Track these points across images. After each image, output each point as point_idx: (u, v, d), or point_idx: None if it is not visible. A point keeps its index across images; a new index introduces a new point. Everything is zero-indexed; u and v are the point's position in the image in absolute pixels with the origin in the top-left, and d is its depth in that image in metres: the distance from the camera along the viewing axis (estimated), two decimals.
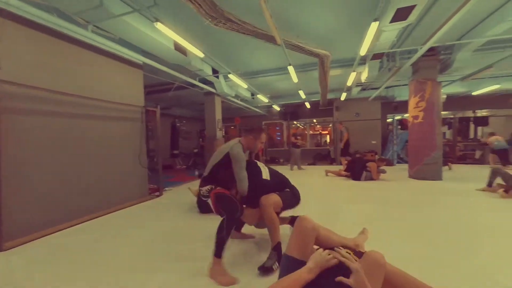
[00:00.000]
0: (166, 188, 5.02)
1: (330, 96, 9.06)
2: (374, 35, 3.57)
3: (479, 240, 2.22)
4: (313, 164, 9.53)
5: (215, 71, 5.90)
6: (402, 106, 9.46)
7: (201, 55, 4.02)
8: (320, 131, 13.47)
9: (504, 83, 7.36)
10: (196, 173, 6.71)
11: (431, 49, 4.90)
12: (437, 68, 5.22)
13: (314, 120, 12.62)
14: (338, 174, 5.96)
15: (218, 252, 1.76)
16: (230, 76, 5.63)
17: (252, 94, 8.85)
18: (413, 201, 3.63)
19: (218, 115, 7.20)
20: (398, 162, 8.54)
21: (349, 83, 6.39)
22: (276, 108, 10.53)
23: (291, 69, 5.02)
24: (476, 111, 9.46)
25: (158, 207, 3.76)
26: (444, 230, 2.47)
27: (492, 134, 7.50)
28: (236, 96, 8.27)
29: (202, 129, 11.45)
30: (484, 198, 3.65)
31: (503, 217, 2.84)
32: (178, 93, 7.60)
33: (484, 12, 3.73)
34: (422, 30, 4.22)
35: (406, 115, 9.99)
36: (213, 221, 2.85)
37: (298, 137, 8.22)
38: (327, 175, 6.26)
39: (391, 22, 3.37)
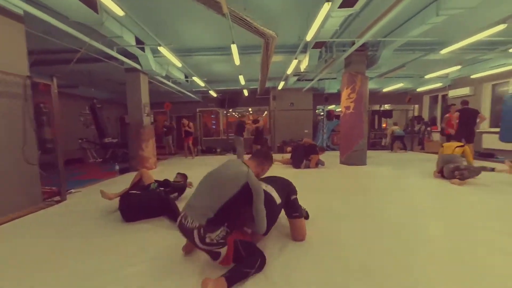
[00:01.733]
0: (73, 190, 3.81)
1: (268, 84, 9.01)
2: (322, 19, 3.45)
3: (413, 216, 2.40)
4: (251, 153, 9.42)
5: (139, 42, 4.79)
6: (331, 98, 10.33)
7: (121, 13, 3.05)
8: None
9: (405, 82, 8.90)
10: (117, 167, 5.50)
11: (361, 45, 5.28)
12: (365, 63, 5.71)
13: (250, 110, 12.54)
14: (285, 162, 5.93)
15: (232, 281, 1.39)
16: (161, 50, 4.67)
17: (186, 77, 7.89)
18: (354, 186, 3.83)
19: (145, 98, 6.03)
20: (325, 150, 9.36)
21: (289, 71, 6.36)
22: (213, 94, 9.82)
23: (234, 48, 4.51)
24: (383, 105, 11.29)
25: (59, 217, 2.72)
26: (389, 211, 2.59)
27: (395, 124, 9.11)
28: (167, 77, 7.16)
29: (123, 115, 9.66)
30: (407, 180, 4.20)
31: (425, 195, 3.26)
32: (88, 67, 5.98)
33: (408, 14, 4.13)
34: (358, 24, 4.41)
35: (331, 106, 11.03)
36: (147, 232, 2.19)
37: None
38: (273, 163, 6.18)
39: (339, 7, 3.31)
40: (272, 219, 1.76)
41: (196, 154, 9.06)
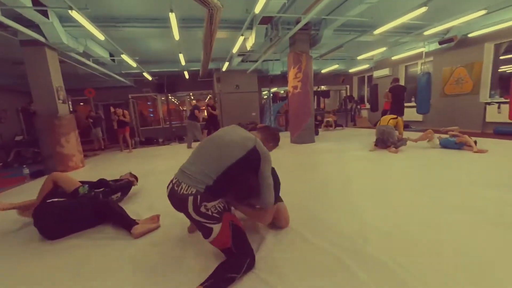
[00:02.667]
0: None
1: (211, 66, 8.41)
2: None
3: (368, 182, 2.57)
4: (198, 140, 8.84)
5: (38, 3, 3.61)
6: (275, 80, 10.42)
7: None
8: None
9: (340, 64, 9.63)
10: (26, 171, 4.25)
11: (305, 24, 5.30)
12: (309, 42, 5.80)
13: (191, 94, 11.67)
14: None
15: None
16: (74, 16, 3.62)
17: (112, 55, 6.62)
18: (309, 162, 3.91)
19: (57, 81, 4.76)
20: None
21: (235, 49, 5.99)
22: (148, 77, 8.63)
23: (172, 17, 3.85)
24: (320, 86, 12.10)
25: None
26: (347, 181, 2.70)
27: (328, 112, 9.90)
28: (86, 56, 5.84)
29: (27, 103, 7.58)
30: (352, 152, 4.54)
31: (372, 165, 3.56)
32: None
33: None
34: (301, 2, 4.35)
35: (274, 89, 11.17)
36: (84, 249, 1.63)
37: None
38: None
39: None
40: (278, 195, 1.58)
41: (134, 147, 7.96)
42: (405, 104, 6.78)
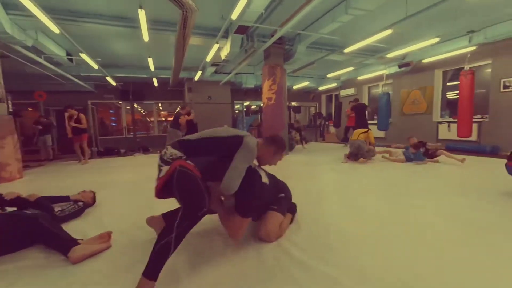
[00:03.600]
0: None
1: (182, 74, 8.12)
2: None
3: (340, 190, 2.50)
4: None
5: None
6: (249, 93, 10.44)
7: None
8: (166, 117, 12.12)
9: (310, 81, 10.04)
10: None
11: (279, 38, 5.41)
12: (283, 56, 5.91)
13: (160, 105, 11.10)
14: None
15: (154, 270, 1.08)
16: (24, 2, 3.14)
17: (70, 54, 5.98)
18: (284, 173, 3.77)
19: None
20: None
21: (209, 57, 5.82)
22: (111, 82, 7.97)
23: (142, 15, 3.58)
24: (291, 102, 12.45)
25: None
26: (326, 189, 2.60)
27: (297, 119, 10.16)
28: (38, 52, 5.17)
29: None
30: (325, 165, 4.54)
31: (347, 176, 3.55)
32: None
33: (322, 10, 4.45)
34: (278, 15, 4.43)
35: (247, 102, 11.18)
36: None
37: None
38: None
39: None
40: (253, 193, 1.46)
41: (90, 157, 7.11)
42: (369, 122, 7.23)
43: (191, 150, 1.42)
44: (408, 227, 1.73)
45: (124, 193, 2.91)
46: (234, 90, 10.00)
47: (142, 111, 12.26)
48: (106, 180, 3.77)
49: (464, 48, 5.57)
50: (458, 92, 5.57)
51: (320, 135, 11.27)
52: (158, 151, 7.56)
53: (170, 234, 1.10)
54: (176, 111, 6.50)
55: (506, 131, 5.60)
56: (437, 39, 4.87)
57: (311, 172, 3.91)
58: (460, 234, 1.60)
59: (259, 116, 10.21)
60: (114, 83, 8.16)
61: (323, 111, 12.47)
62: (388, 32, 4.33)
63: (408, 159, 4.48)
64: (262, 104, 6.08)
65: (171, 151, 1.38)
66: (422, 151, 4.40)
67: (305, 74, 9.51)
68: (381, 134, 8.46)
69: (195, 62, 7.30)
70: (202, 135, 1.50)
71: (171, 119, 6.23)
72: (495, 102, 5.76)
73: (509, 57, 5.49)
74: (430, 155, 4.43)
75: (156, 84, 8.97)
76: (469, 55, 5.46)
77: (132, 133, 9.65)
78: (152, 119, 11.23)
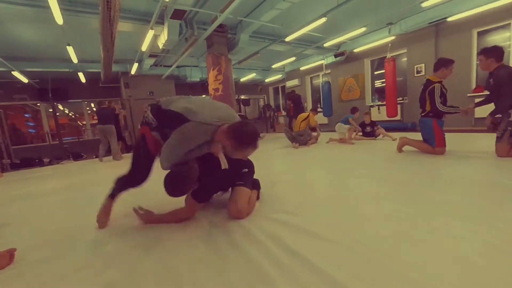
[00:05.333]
0: None
1: (116, 68, 7.22)
2: None
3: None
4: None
5: None
6: (195, 87, 9.95)
7: None
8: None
9: (257, 73, 10.13)
10: None
11: (220, 26, 5.22)
12: (226, 45, 5.75)
13: (93, 105, 9.70)
14: None
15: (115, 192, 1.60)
16: None
17: None
18: None
19: None
20: None
21: (144, 46, 5.26)
22: (22, 79, 6.57)
23: None
24: (240, 95, 12.42)
25: None
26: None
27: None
28: None
29: None
30: (276, 150, 4.62)
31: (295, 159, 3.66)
32: None
33: None
34: (216, 1, 4.26)
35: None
36: None
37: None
38: None
39: None
40: (212, 183, 1.54)
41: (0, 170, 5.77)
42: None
43: (160, 119, 1.45)
44: (351, 191, 1.84)
45: (42, 206, 2.38)
46: (178, 84, 9.39)
47: (70, 114, 10.57)
48: (20, 193, 3.06)
49: (385, 38, 6.33)
50: (384, 80, 6.33)
51: (270, 126, 11.56)
52: (94, 156, 6.62)
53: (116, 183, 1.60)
54: (108, 105, 5.78)
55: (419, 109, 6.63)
56: (364, 29, 5.39)
57: (265, 157, 3.93)
58: (388, 191, 1.78)
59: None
60: (25, 80, 6.74)
61: (271, 103, 12.80)
62: (323, 20, 4.59)
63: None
64: (210, 95, 5.83)
65: (148, 114, 1.48)
66: (369, 130, 4.94)
67: (250, 66, 9.54)
68: (325, 120, 9.11)
69: (130, 53, 6.57)
70: (174, 107, 1.40)
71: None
72: (411, 86, 6.75)
73: (419, 45, 6.47)
74: (373, 133, 4.97)
75: (83, 80, 7.77)
76: (390, 45, 6.23)
77: (57, 139, 8.20)
78: (84, 122, 9.76)
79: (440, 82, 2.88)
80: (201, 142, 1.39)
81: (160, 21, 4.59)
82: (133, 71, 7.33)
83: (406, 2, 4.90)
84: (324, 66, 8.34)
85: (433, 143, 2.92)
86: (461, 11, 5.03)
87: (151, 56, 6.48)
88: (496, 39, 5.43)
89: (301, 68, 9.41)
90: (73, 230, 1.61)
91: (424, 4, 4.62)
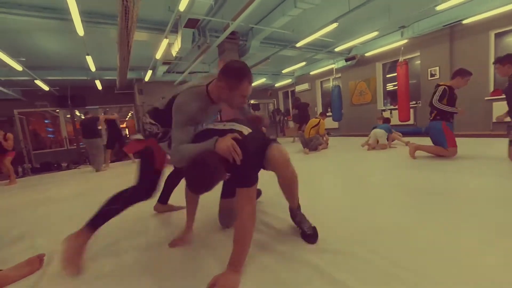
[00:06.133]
0: None
1: (130, 75, 7.47)
2: None
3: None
4: (116, 160, 7.47)
5: None
6: None
7: None
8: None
9: (266, 78, 10.20)
10: None
11: (232, 33, 5.32)
12: (237, 51, 5.84)
13: (107, 109, 10.00)
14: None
15: (96, 222, 1.28)
16: None
17: None
18: None
19: None
20: None
21: (158, 54, 5.42)
22: (43, 87, 6.90)
23: (72, 5, 3.12)
24: (250, 100, 12.51)
25: None
26: None
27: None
28: None
29: None
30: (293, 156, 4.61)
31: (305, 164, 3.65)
32: None
33: (273, 4, 4.50)
34: (229, 8, 4.35)
35: None
36: None
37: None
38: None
39: None
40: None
41: (22, 175, 6.06)
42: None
43: (163, 121, 1.36)
44: (363, 194, 1.83)
45: (65, 210, 2.49)
46: None
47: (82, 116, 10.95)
48: (42, 197, 3.20)
49: (398, 41, 6.24)
50: (396, 83, 6.23)
51: (280, 131, 11.56)
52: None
53: (115, 203, 1.32)
54: (86, 116, 5.49)
55: None
56: (376, 33, 5.35)
57: None
58: (405, 199, 1.75)
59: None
60: (46, 88, 7.08)
61: (281, 107, 12.82)
62: (334, 25, 4.59)
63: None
64: None
65: (149, 121, 1.39)
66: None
67: (261, 71, 9.61)
68: (335, 124, 9.02)
69: (144, 61, 6.77)
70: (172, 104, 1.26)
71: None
72: (425, 89, 6.60)
73: (432, 48, 6.34)
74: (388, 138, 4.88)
75: (100, 87, 8.07)
76: (402, 48, 6.15)
77: (75, 144, 8.52)
78: (99, 127, 10.08)
79: (449, 86, 2.93)
80: (197, 108, 1.21)
81: (174, 30, 4.73)
82: (147, 78, 7.55)
83: (419, 5, 4.83)
84: (334, 70, 8.29)
85: (445, 144, 2.92)
86: (476, 13, 4.91)
87: (164, 63, 6.67)
88: None
89: (311, 73, 9.40)
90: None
91: (438, 8, 4.54)
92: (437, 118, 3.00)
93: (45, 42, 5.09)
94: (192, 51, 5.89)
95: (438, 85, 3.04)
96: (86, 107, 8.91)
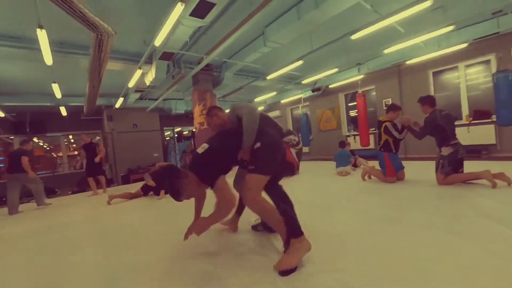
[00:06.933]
0: None
1: (100, 101, 7.26)
2: (174, 23, 3.23)
3: None
4: (79, 191, 6.90)
5: None
6: (180, 119, 10.11)
7: None
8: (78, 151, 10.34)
9: None
10: None
11: (206, 66, 5.60)
12: (211, 82, 6.09)
13: (70, 137, 9.43)
14: (131, 196, 4.32)
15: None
16: None
17: None
18: None
19: None
20: None
21: (131, 83, 5.44)
22: None
23: (42, 36, 3.10)
24: None
25: None
26: None
27: None
28: None
29: None
30: None
31: None
32: None
33: (245, 41, 4.90)
34: (204, 43, 4.64)
35: (178, 128, 10.81)
36: None
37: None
38: (109, 203, 4.00)
39: (190, 15, 3.26)
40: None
41: None
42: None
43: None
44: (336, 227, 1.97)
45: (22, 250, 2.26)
46: (163, 116, 9.53)
47: (44, 146, 10.14)
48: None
49: (355, 76, 7.05)
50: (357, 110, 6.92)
51: None
52: (70, 192, 6.31)
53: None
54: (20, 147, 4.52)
55: None
56: (336, 69, 6.02)
57: None
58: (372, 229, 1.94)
59: (192, 141, 9.94)
60: (1, 114, 6.54)
61: None
62: (299, 62, 5.10)
63: None
64: (194, 129, 5.99)
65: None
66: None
67: (235, 99, 9.98)
68: (305, 149, 9.48)
69: (115, 88, 6.71)
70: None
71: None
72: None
73: (385, 82, 7.25)
74: (355, 163, 5.22)
75: (64, 113, 7.66)
76: (360, 82, 6.94)
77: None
78: (60, 154, 9.38)
79: (390, 121, 3.41)
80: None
81: (149, 61, 4.85)
82: (117, 105, 7.39)
83: (370, 48, 5.62)
84: (302, 99, 8.94)
85: (385, 173, 3.38)
86: (417, 56, 5.83)
87: (137, 91, 6.65)
88: (449, 77, 6.28)
89: (282, 101, 10.00)
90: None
91: (385, 51, 5.33)
92: (381, 150, 3.44)
93: (5, 69, 4.85)
94: (166, 80, 6.01)
95: (380, 122, 3.48)
96: (47, 134, 8.34)
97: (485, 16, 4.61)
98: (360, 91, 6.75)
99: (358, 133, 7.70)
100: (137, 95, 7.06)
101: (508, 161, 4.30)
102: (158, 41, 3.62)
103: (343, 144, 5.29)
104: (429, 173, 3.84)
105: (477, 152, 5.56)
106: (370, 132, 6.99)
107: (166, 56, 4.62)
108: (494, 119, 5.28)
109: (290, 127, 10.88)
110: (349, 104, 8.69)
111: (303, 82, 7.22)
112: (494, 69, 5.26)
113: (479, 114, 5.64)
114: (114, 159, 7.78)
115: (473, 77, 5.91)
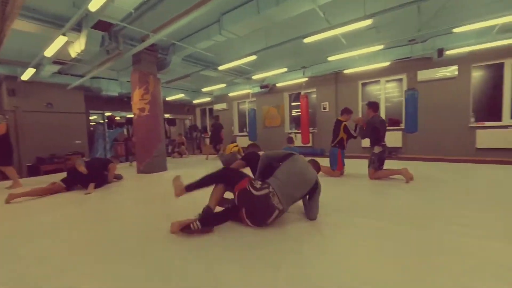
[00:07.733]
0: None
1: None
2: None
3: None
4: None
5: None
6: (112, 102, 8.80)
7: None
8: None
9: (185, 94, 9.93)
10: None
11: (151, 45, 5.00)
12: (155, 64, 5.48)
13: None
14: (45, 192, 3.32)
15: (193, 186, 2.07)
16: None
17: None
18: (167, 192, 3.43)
19: None
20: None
21: (48, 53, 4.39)
22: None
23: None
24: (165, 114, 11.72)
25: None
26: None
27: (180, 133, 9.87)
28: None
29: None
30: None
31: None
32: None
33: (199, 26, 4.58)
34: (150, 19, 4.12)
35: (109, 113, 9.41)
36: None
37: None
38: (9, 202, 2.92)
39: None
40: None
41: None
42: (242, 134, 8.16)
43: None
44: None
45: None
46: (89, 97, 8.07)
47: None
48: None
49: (300, 78, 7.56)
50: (299, 110, 7.46)
51: (197, 147, 11.31)
52: None
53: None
54: None
55: (326, 138, 8.06)
56: (285, 69, 6.31)
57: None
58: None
59: (125, 129, 8.76)
60: None
61: (198, 124, 12.66)
62: (253, 57, 5.12)
63: None
64: (133, 115, 5.29)
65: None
66: None
67: (180, 86, 9.33)
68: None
69: (24, 56, 5.32)
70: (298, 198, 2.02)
71: None
72: (320, 119, 8.18)
73: (324, 87, 8.03)
74: None
75: None
76: (304, 84, 7.47)
77: None
78: None
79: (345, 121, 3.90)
80: None
81: (77, 28, 4.00)
82: (24, 77, 5.86)
83: (316, 53, 6.10)
84: (250, 94, 9.06)
85: (334, 167, 3.82)
86: (352, 67, 6.65)
87: (56, 62, 5.40)
88: (372, 89, 7.41)
89: (230, 94, 9.89)
90: None
91: (329, 58, 5.88)
92: (336, 146, 3.86)
93: None
94: (97, 55, 5.10)
95: (339, 121, 3.88)
96: None
97: (403, 42, 5.61)
98: (303, 92, 7.28)
99: (299, 131, 8.32)
100: (56, 67, 5.74)
101: (411, 161, 5.40)
102: (93, 6, 3.01)
103: (291, 140, 5.65)
104: (361, 168, 4.49)
105: (389, 153, 6.80)
106: (310, 131, 7.64)
107: (102, 25, 3.91)
108: (402, 127, 6.54)
109: (236, 121, 10.90)
110: (292, 104, 9.28)
111: (253, 77, 7.30)
112: (405, 87, 6.50)
113: (391, 122, 6.88)
114: (17, 145, 6.18)
115: (390, 91, 7.15)
